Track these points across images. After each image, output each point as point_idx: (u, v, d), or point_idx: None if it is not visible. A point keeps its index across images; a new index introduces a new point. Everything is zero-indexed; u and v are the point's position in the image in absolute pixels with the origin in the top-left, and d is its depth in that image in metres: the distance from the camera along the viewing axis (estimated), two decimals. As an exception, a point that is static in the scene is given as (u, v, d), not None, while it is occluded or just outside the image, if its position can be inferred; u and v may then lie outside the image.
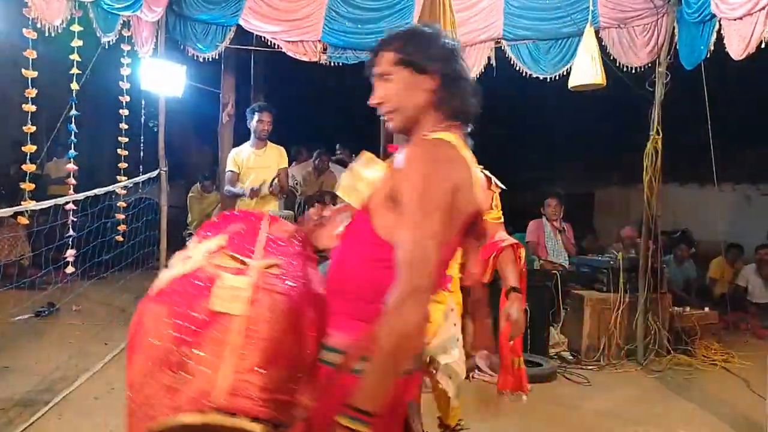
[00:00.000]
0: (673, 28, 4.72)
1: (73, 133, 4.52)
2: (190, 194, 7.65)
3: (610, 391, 4.27)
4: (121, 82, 5.12)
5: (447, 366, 2.54)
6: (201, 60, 5.53)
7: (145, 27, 4.98)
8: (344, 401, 1.18)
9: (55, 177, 7.78)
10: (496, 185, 2.66)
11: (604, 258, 5.35)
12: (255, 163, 4.88)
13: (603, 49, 4.78)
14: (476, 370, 3.63)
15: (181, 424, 1.26)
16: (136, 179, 5.31)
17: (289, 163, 5.44)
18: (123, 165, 5.23)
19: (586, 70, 4.31)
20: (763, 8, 3.56)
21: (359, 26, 5.55)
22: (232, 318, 1.29)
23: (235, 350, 1.27)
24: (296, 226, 1.54)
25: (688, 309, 5.45)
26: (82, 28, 4.27)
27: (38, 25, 3.77)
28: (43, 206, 3.91)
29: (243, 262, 1.40)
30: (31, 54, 3.77)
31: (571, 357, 4.89)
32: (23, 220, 4.00)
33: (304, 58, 5.68)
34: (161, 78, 5.11)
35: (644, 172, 4.85)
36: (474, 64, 5.46)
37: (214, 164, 7.51)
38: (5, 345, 4.27)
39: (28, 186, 3.82)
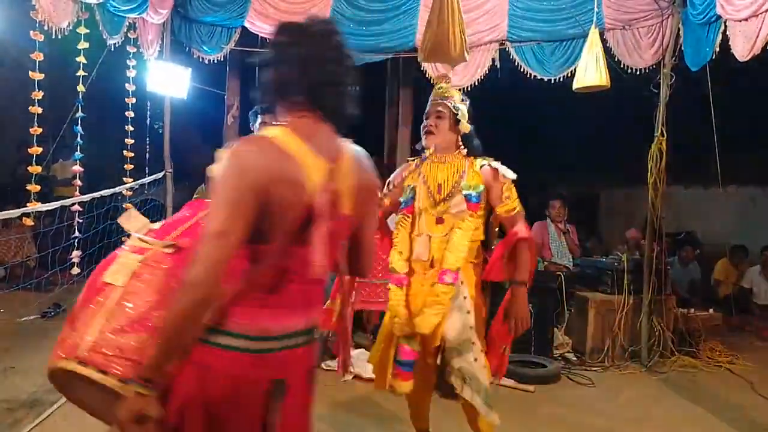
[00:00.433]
0: (678, 30, 4.72)
1: (79, 134, 4.55)
2: (195, 195, 7.65)
3: (614, 392, 4.27)
4: (126, 84, 5.15)
5: (461, 369, 2.51)
6: (206, 62, 5.55)
7: (151, 29, 5.01)
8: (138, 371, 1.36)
9: (61, 178, 7.83)
10: (504, 176, 2.60)
11: (608, 259, 5.34)
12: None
13: (608, 51, 4.77)
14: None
15: (55, 368, 1.50)
16: (142, 180, 5.33)
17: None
18: (129, 166, 5.25)
19: (590, 72, 4.31)
20: (768, 9, 3.57)
21: (364, 28, 5.55)
22: (114, 288, 1.51)
23: (106, 314, 1.48)
24: None
25: (692, 310, 5.45)
26: (88, 31, 4.29)
27: (45, 28, 3.80)
28: (50, 208, 3.93)
29: (147, 242, 1.61)
30: (38, 56, 3.80)
31: (575, 358, 4.89)
32: (29, 222, 4.02)
33: (309, 60, 5.69)
34: (166, 80, 5.14)
35: (649, 174, 4.85)
36: (478, 65, 5.47)
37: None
38: (11, 345, 4.29)
39: (34, 187, 3.84)
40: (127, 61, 5.09)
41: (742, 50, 3.81)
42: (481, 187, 2.59)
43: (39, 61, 3.82)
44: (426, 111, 2.76)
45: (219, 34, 5.54)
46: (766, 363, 5.03)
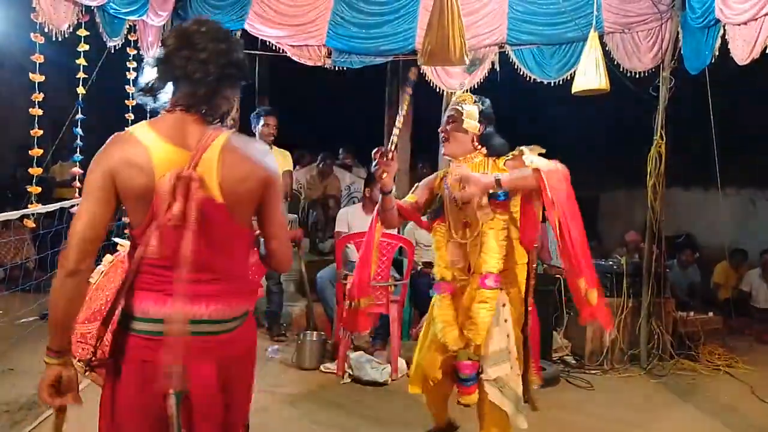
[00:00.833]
0: (678, 33, 4.73)
1: (78, 136, 4.55)
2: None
3: (614, 395, 4.27)
4: (126, 86, 5.15)
5: (498, 379, 2.52)
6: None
7: (151, 31, 5.01)
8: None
9: (60, 180, 7.83)
10: (527, 156, 2.54)
11: (607, 262, 5.34)
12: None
13: (607, 54, 4.78)
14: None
15: None
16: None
17: (293, 167, 5.46)
18: (128, 168, 5.24)
19: (590, 75, 4.32)
20: (768, 13, 3.57)
21: (364, 31, 5.56)
22: (90, 285, 1.75)
23: (84, 306, 1.68)
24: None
25: (691, 314, 5.45)
26: (88, 33, 4.30)
27: (46, 30, 3.80)
28: (49, 209, 3.93)
29: (121, 245, 1.89)
30: (39, 58, 3.80)
31: (574, 361, 4.89)
32: (30, 224, 4.02)
33: (309, 63, 5.70)
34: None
35: (648, 177, 4.86)
36: (478, 69, 5.48)
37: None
38: (11, 347, 4.28)
39: (34, 189, 3.84)
40: (127, 63, 5.09)
41: (741, 54, 3.81)
42: None
43: (39, 63, 3.83)
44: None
45: (219, 36, 5.54)
46: (765, 366, 5.02)
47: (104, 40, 4.46)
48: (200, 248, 1.51)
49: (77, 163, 4.57)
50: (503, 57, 5.44)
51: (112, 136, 1.59)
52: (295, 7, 5.51)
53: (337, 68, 5.74)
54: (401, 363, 4.36)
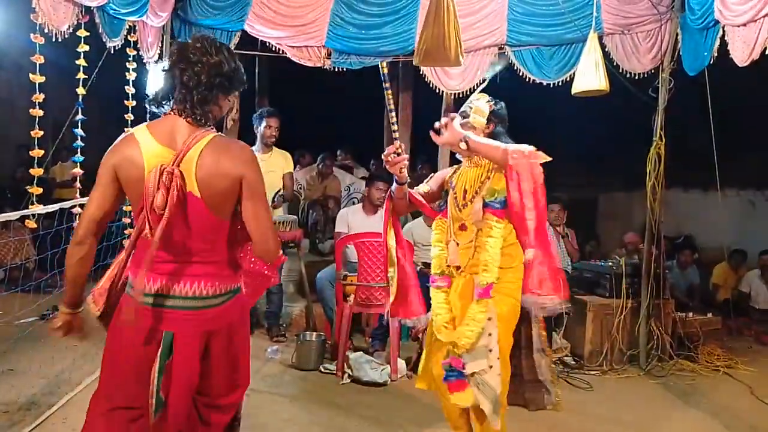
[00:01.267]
0: (677, 35, 4.73)
1: (79, 137, 4.55)
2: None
3: (613, 396, 4.28)
4: (126, 87, 5.15)
5: (474, 375, 2.50)
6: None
7: (151, 32, 5.01)
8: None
9: (60, 180, 7.84)
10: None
11: (607, 263, 5.35)
12: (261, 167, 4.90)
13: (606, 55, 4.79)
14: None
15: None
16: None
17: (294, 167, 5.46)
18: (128, 169, 5.24)
19: (589, 76, 4.32)
20: (767, 15, 3.57)
21: (363, 32, 5.57)
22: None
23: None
24: None
25: (691, 314, 5.45)
26: (88, 33, 4.30)
27: (45, 30, 3.80)
28: (50, 210, 3.93)
29: None
30: (39, 59, 3.80)
31: (573, 362, 4.90)
32: (31, 224, 4.02)
33: (309, 64, 5.71)
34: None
35: (647, 178, 4.86)
36: (477, 69, 5.48)
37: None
38: (10, 348, 4.28)
39: (35, 190, 3.84)
40: (127, 64, 5.09)
41: (740, 55, 3.81)
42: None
43: (39, 64, 3.83)
44: None
45: (219, 37, 5.53)
46: (765, 367, 5.03)
47: (104, 40, 4.46)
48: (180, 234, 1.77)
49: (77, 164, 4.56)
50: (502, 58, 5.45)
51: (121, 135, 1.87)
52: (294, 8, 5.52)
53: (336, 69, 5.75)
54: (400, 363, 4.37)
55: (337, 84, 6.59)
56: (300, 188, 6.83)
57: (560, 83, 5.23)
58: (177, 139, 1.77)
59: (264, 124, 4.93)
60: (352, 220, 5.13)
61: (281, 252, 2.05)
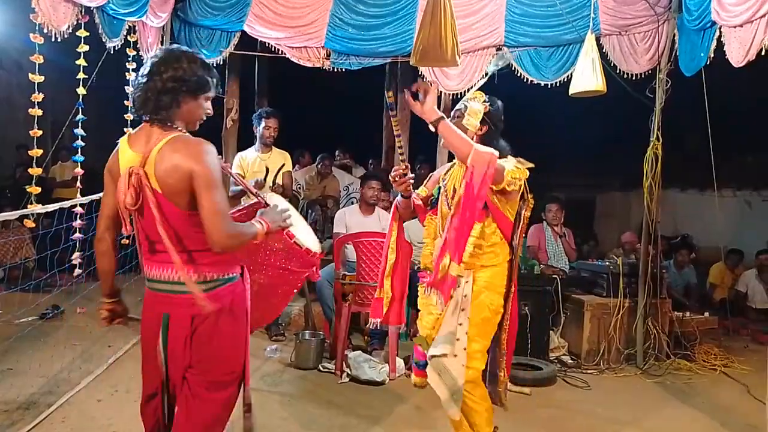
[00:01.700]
0: (674, 36, 4.76)
1: (79, 137, 4.56)
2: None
3: (610, 395, 4.30)
4: (126, 87, 5.16)
5: (435, 360, 2.54)
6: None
7: (150, 32, 5.03)
8: None
9: (60, 180, 7.85)
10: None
11: (604, 263, 5.37)
12: (260, 167, 4.92)
13: (604, 56, 4.82)
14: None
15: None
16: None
17: (293, 167, 5.47)
18: (128, 169, 5.25)
19: (587, 77, 4.34)
20: (764, 16, 3.59)
21: (362, 33, 5.58)
22: None
23: None
24: None
25: (688, 314, 5.48)
26: (88, 33, 4.31)
27: (45, 30, 3.81)
28: (50, 209, 3.94)
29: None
30: (38, 59, 3.81)
31: (571, 361, 4.92)
32: (29, 224, 4.03)
33: (308, 64, 5.73)
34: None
35: (644, 178, 4.88)
36: (475, 70, 5.50)
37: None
38: (10, 347, 4.29)
39: (34, 189, 3.85)
40: (127, 64, 5.11)
41: (737, 56, 3.84)
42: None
43: (39, 64, 3.84)
44: None
45: (218, 37, 5.57)
46: (762, 366, 5.03)
47: (104, 40, 4.48)
48: (154, 227, 1.94)
49: (78, 164, 4.57)
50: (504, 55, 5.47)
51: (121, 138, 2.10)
52: (294, 9, 5.54)
53: (335, 70, 5.77)
54: (399, 362, 4.38)
55: (336, 84, 6.61)
56: (299, 188, 6.84)
57: (558, 84, 5.26)
58: (146, 142, 1.98)
59: (263, 124, 4.95)
60: (349, 220, 5.15)
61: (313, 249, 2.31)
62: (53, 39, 3.91)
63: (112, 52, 4.66)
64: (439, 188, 2.79)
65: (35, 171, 3.90)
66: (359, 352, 4.46)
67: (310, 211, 6.74)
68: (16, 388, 3.65)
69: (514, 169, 2.53)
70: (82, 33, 4.26)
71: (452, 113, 2.78)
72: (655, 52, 4.90)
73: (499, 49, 5.48)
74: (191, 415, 2.03)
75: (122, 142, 2.05)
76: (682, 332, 5.15)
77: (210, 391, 2.05)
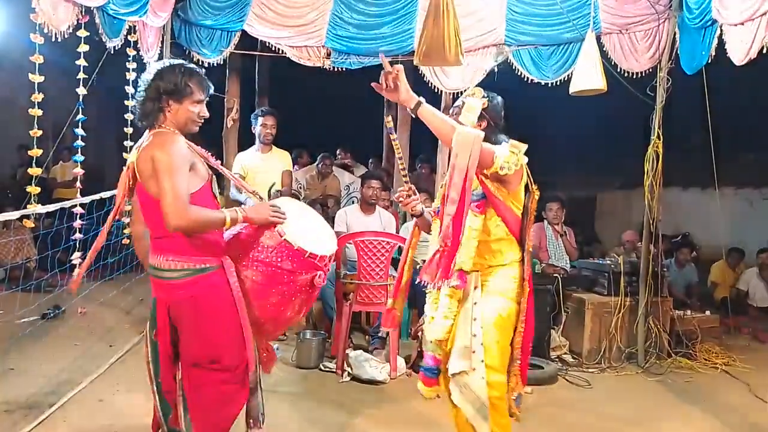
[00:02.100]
0: (675, 34, 4.75)
1: (79, 137, 4.56)
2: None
3: (611, 393, 4.30)
4: (126, 87, 5.16)
5: (457, 379, 2.43)
6: (206, 65, 5.57)
7: (151, 32, 5.03)
8: None
9: (61, 180, 7.85)
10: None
11: (605, 261, 5.37)
12: (260, 167, 4.92)
13: (604, 55, 4.81)
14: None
15: None
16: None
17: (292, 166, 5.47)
18: (128, 168, 5.26)
19: (587, 76, 4.34)
20: (765, 14, 3.58)
21: (363, 32, 5.58)
22: None
23: None
24: None
25: (689, 312, 5.47)
26: (88, 33, 4.31)
27: (45, 30, 3.81)
28: (50, 209, 3.95)
29: None
30: (38, 59, 3.81)
31: (572, 359, 4.92)
32: (29, 224, 4.03)
33: (308, 63, 5.73)
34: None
35: (645, 176, 4.87)
36: (476, 69, 5.50)
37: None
38: (11, 347, 4.30)
39: (34, 189, 3.85)
40: (127, 64, 5.11)
41: (738, 54, 3.83)
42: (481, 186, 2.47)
43: (39, 64, 3.84)
44: None
45: (219, 37, 5.56)
46: (763, 365, 5.05)
47: (104, 40, 4.47)
48: (145, 215, 2.26)
49: (78, 164, 4.57)
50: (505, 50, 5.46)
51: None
52: (294, 9, 5.53)
53: (336, 69, 5.77)
54: (400, 362, 4.38)
55: (337, 84, 6.60)
56: (300, 188, 6.83)
57: (558, 83, 5.25)
58: (143, 143, 2.28)
59: (260, 123, 4.95)
60: (350, 219, 5.15)
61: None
62: (53, 39, 3.91)
63: (112, 52, 4.66)
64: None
65: (35, 171, 3.90)
66: (360, 351, 4.46)
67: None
68: (18, 388, 3.65)
69: (509, 154, 2.43)
70: (83, 33, 4.27)
71: (451, 110, 2.73)
72: (656, 50, 4.89)
73: (498, 51, 5.47)
74: (190, 394, 2.27)
75: (135, 146, 2.36)
76: (683, 331, 5.15)
77: (198, 371, 2.25)
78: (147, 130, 2.30)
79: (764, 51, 3.65)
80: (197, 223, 2.14)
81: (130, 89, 5.18)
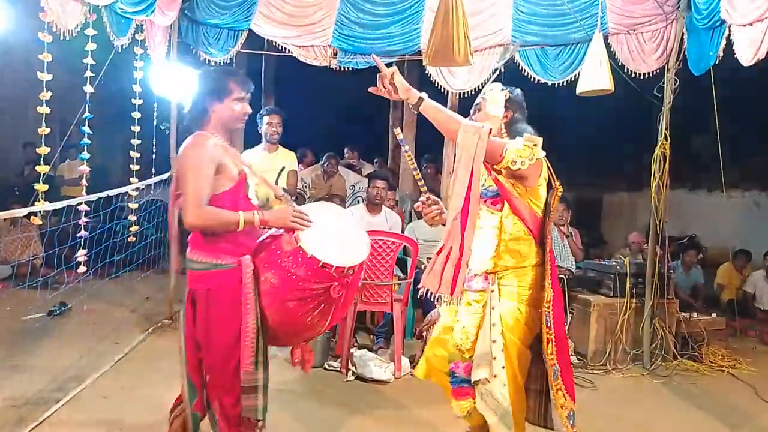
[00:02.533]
0: (682, 35, 4.72)
1: (86, 135, 4.58)
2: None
3: (617, 395, 4.28)
4: (133, 85, 5.18)
5: (479, 386, 2.38)
6: (212, 64, 5.58)
7: (158, 31, 5.05)
8: None
9: (68, 178, 7.89)
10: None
11: (611, 263, 5.35)
12: (266, 166, 4.93)
13: (611, 55, 4.79)
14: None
15: None
16: (148, 181, 5.36)
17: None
18: (135, 167, 5.29)
19: (594, 76, 4.32)
20: (773, 15, 3.57)
21: (369, 31, 5.58)
22: None
23: None
24: None
25: (695, 315, 5.45)
26: (96, 32, 4.33)
27: (53, 29, 3.83)
28: (57, 207, 3.96)
29: None
30: (46, 57, 3.83)
31: (577, 361, 4.90)
32: (36, 221, 4.05)
33: (315, 63, 5.73)
34: (173, 81, 5.18)
35: (652, 178, 4.85)
36: (482, 69, 5.49)
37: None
38: (17, 343, 4.32)
39: (41, 187, 3.87)
40: (134, 63, 5.13)
41: (746, 55, 3.81)
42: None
43: (47, 62, 3.86)
44: None
45: (225, 36, 5.58)
46: (769, 368, 5.03)
47: (111, 39, 4.49)
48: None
49: (84, 162, 4.59)
50: (512, 47, 5.45)
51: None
52: (300, 8, 5.54)
53: (342, 68, 5.77)
54: (404, 361, 4.38)
55: (343, 83, 6.61)
56: (305, 187, 6.84)
57: (565, 83, 5.24)
58: None
59: (266, 121, 4.96)
60: (356, 219, 5.14)
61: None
62: (61, 37, 3.94)
63: (119, 50, 4.68)
64: None
65: (42, 168, 3.92)
66: (365, 350, 4.47)
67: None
68: (24, 384, 3.67)
69: (523, 148, 2.32)
70: (90, 31, 4.28)
71: (472, 109, 2.67)
72: (664, 51, 4.87)
73: (505, 48, 5.46)
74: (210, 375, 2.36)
75: None
76: (689, 333, 5.13)
77: (206, 351, 2.35)
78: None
79: (773, 52, 3.63)
80: (210, 223, 2.26)
81: (137, 88, 5.20)
